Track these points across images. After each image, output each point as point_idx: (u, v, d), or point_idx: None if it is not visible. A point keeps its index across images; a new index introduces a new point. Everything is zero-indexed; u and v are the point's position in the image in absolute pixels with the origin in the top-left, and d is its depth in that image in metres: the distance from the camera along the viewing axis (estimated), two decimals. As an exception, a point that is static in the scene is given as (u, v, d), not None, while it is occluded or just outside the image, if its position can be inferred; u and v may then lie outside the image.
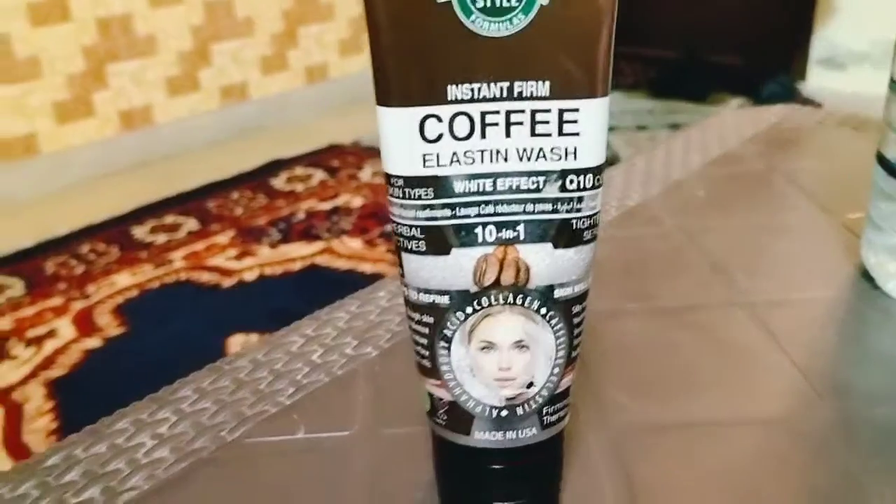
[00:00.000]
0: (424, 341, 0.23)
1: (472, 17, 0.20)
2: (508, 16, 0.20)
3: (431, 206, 0.21)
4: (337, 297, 0.37)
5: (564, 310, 0.22)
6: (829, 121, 0.53)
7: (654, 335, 0.33)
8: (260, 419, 0.30)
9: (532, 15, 0.20)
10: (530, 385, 0.22)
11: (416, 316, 0.22)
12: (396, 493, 0.26)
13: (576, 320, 0.23)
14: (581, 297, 0.22)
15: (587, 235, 0.22)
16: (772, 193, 0.45)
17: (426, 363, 0.23)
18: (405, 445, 0.28)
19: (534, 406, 0.23)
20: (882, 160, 0.33)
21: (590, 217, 0.22)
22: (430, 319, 0.22)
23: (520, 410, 0.23)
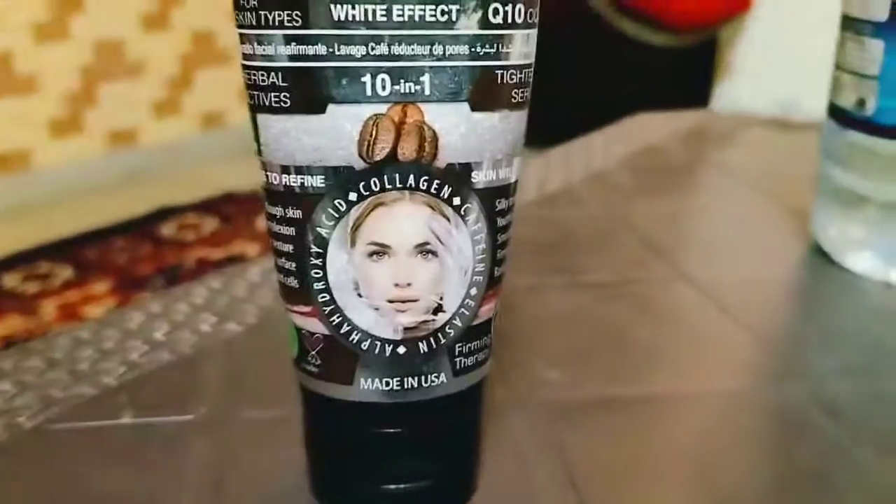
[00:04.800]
0: (289, 248, 0.16)
1: None
2: None
3: (299, 39, 0.15)
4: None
5: (486, 203, 0.16)
6: (753, 122, 0.50)
7: (583, 308, 0.28)
8: (73, 403, 0.22)
9: None
10: (438, 309, 0.16)
11: (279, 211, 0.16)
12: (252, 485, 0.19)
13: (501, 222, 0.16)
14: (508, 189, 0.17)
15: (517, 96, 0.16)
16: (705, 181, 0.41)
17: (292, 282, 0.16)
18: (270, 430, 0.21)
19: (443, 340, 0.16)
20: (834, 111, 0.29)
21: (520, 69, 0.16)
22: (298, 213, 0.16)
23: (423, 346, 0.16)
